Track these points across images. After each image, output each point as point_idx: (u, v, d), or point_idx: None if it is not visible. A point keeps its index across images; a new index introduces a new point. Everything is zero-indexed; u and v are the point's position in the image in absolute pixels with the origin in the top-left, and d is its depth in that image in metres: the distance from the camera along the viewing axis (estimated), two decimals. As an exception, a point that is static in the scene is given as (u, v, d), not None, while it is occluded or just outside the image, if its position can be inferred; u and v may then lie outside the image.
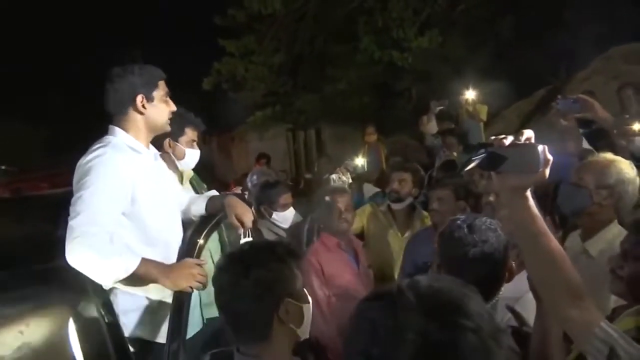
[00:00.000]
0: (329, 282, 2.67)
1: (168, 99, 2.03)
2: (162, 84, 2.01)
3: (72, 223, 1.77)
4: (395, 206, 3.31)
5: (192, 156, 2.50)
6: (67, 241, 1.75)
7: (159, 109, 1.99)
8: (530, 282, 1.41)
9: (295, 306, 1.38)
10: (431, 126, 6.19)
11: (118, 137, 1.97)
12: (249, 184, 4.09)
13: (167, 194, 2.06)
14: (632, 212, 1.99)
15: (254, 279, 1.33)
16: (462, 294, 0.81)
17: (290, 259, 1.40)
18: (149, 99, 1.97)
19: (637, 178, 2.00)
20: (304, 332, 1.42)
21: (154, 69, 2.01)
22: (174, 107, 2.05)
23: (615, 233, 1.96)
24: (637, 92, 4.69)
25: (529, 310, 1.54)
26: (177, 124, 2.42)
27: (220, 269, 1.41)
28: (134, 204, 1.91)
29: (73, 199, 1.82)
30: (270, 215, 3.15)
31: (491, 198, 2.55)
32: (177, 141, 2.46)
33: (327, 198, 2.80)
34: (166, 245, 2.02)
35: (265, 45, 11.25)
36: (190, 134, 2.50)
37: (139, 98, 1.95)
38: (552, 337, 1.43)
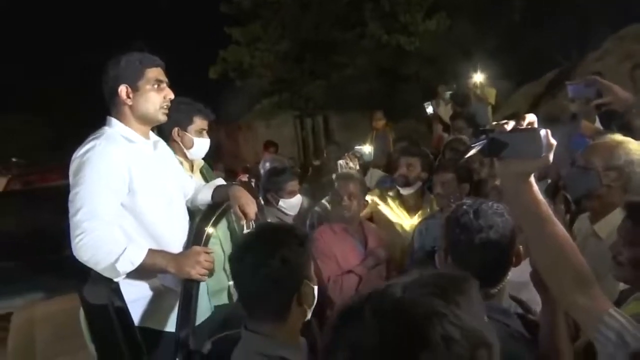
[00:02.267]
0: (335, 262, 2.70)
1: (162, 86, 1.99)
2: (152, 71, 1.97)
3: (74, 220, 1.78)
4: (404, 191, 3.29)
5: (201, 145, 2.48)
6: (72, 239, 1.76)
7: (147, 98, 1.96)
8: (533, 275, 1.40)
9: (310, 288, 1.42)
10: (445, 111, 6.12)
11: (113, 127, 1.96)
12: (262, 171, 4.08)
13: (167, 184, 2.05)
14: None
15: (281, 259, 1.35)
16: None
17: (307, 241, 1.44)
18: (134, 88, 1.94)
19: None
20: (310, 312, 1.46)
21: (143, 57, 1.97)
22: (171, 95, 2.01)
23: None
24: (650, 71, 4.60)
25: (536, 295, 1.53)
26: (186, 112, 2.41)
27: (242, 248, 1.44)
28: (131, 194, 1.90)
29: (71, 195, 1.82)
30: (277, 202, 3.15)
31: (497, 182, 2.53)
32: (185, 130, 2.44)
33: (339, 183, 2.83)
34: (168, 234, 2.01)
35: (270, 32, 11.19)
36: (199, 123, 2.47)
37: (122, 89, 1.93)
38: (559, 330, 1.41)
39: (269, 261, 1.35)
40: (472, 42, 9.62)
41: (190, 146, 2.44)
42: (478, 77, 5.91)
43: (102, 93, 1.99)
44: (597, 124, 3.31)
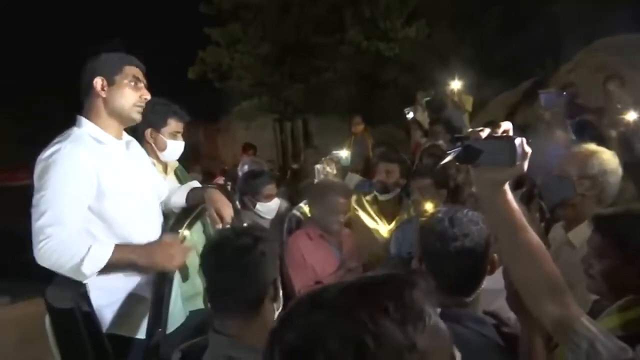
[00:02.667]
0: (309, 271, 2.67)
1: (140, 85, 1.94)
2: (130, 68, 1.92)
3: (37, 225, 1.72)
4: (382, 197, 3.29)
5: (174, 148, 2.41)
6: (34, 244, 1.70)
7: (122, 93, 1.90)
8: (509, 299, 1.39)
9: (279, 288, 1.41)
10: (422, 117, 6.18)
11: (82, 127, 1.90)
12: (240, 174, 4.03)
13: (139, 185, 1.99)
14: (613, 203, 1.99)
15: (261, 252, 1.35)
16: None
17: (276, 241, 1.47)
18: (110, 81, 1.89)
19: (620, 169, 2.01)
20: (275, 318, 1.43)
21: (124, 56, 1.93)
22: (147, 95, 1.96)
23: (597, 224, 1.96)
24: (622, 83, 4.72)
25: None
26: (160, 114, 2.35)
27: (222, 240, 1.43)
28: (100, 197, 1.84)
29: (35, 199, 1.76)
30: (254, 205, 3.11)
31: (474, 189, 2.54)
32: (159, 132, 2.38)
33: (334, 198, 2.77)
34: (141, 237, 1.95)
35: (250, 34, 11.15)
36: (173, 125, 2.41)
37: (97, 80, 1.88)
38: (536, 348, 1.41)
39: (251, 252, 1.35)
40: (450, 50, 9.74)
41: (163, 148, 2.37)
42: (455, 85, 5.98)
43: (75, 90, 1.94)
44: (570, 134, 3.38)
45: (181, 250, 1.86)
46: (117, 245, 1.80)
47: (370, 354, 0.65)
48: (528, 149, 1.13)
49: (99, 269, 1.75)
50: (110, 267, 1.78)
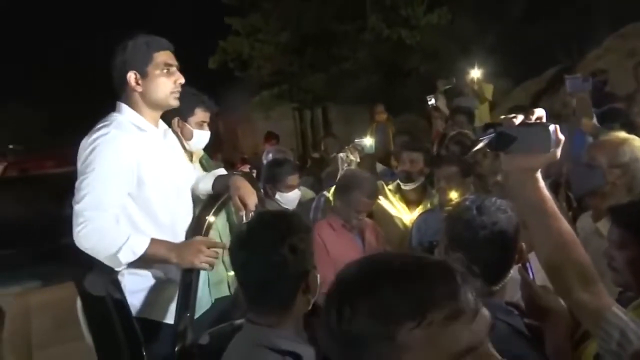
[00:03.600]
0: (333, 262, 2.65)
1: (172, 70, 1.94)
2: (160, 55, 1.92)
3: (77, 207, 1.75)
4: (406, 186, 3.27)
5: (200, 138, 2.42)
6: (74, 226, 1.74)
7: (157, 83, 1.91)
8: (527, 306, 1.38)
9: (315, 276, 1.40)
10: (444, 105, 6.12)
11: (124, 114, 1.93)
12: (264, 162, 4.03)
13: (175, 173, 2.02)
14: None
15: (290, 246, 1.33)
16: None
17: (312, 230, 1.44)
18: (143, 74, 1.89)
19: None
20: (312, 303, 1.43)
21: (151, 41, 1.92)
22: (181, 79, 1.96)
23: (627, 213, 1.93)
24: (654, 68, 4.60)
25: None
26: (187, 103, 2.34)
27: (248, 236, 1.40)
28: (140, 184, 1.87)
29: (77, 182, 1.79)
30: (274, 194, 3.11)
31: (499, 178, 2.51)
32: (186, 121, 2.39)
33: (359, 196, 2.72)
34: (174, 224, 1.99)
35: (271, 23, 11.13)
36: (200, 114, 2.41)
37: (131, 75, 1.89)
38: (563, 352, 1.39)
39: (278, 249, 1.32)
40: (473, 38, 9.58)
41: (189, 138, 2.39)
42: (475, 73, 5.90)
43: (96, 79, 1.95)
44: (595, 122, 3.30)
45: (212, 251, 1.87)
46: (153, 240, 1.82)
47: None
48: (562, 136, 1.11)
49: (134, 259, 1.78)
50: (144, 259, 1.81)
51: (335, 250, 2.68)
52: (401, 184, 3.29)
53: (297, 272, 1.35)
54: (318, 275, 1.43)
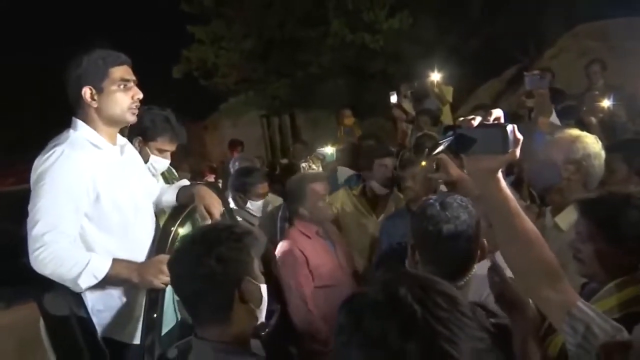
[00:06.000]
0: (314, 272, 2.63)
1: (129, 85, 1.90)
2: (117, 70, 1.87)
3: (34, 232, 1.70)
4: (382, 190, 3.31)
5: (157, 164, 2.36)
6: (31, 251, 1.69)
7: (113, 99, 1.87)
8: (497, 298, 1.41)
9: (255, 285, 1.38)
10: (408, 107, 6.21)
11: (79, 130, 1.88)
12: (231, 170, 3.99)
13: (133, 189, 1.98)
14: (599, 187, 2.03)
15: (216, 257, 1.32)
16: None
17: (247, 238, 1.40)
18: (98, 89, 1.85)
19: (602, 152, 2.04)
20: (262, 314, 1.42)
21: (107, 55, 1.87)
22: (139, 94, 1.92)
23: (583, 207, 2.00)
24: (604, 67, 4.78)
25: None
26: (154, 128, 2.31)
27: (179, 250, 1.41)
28: (96, 202, 1.83)
29: (30, 204, 1.74)
30: (245, 203, 3.09)
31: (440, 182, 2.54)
32: (146, 144, 2.33)
33: (309, 186, 2.73)
34: (136, 240, 1.96)
35: (234, 30, 11.06)
36: (163, 143, 2.35)
37: (86, 91, 1.84)
38: (530, 346, 1.42)
39: (205, 260, 1.31)
40: (434, 40, 9.74)
41: (145, 161, 2.31)
42: (435, 76, 6.01)
43: (62, 93, 1.91)
44: (554, 119, 3.41)
45: None
46: (114, 261, 1.79)
47: None
48: (520, 136, 1.13)
49: (96, 283, 1.75)
50: (106, 281, 1.77)
51: (314, 258, 2.66)
52: (379, 189, 3.31)
53: (228, 282, 1.33)
54: (263, 286, 1.41)
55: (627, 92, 4.24)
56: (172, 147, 2.40)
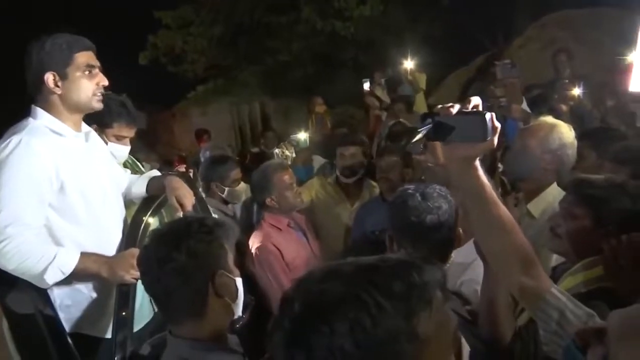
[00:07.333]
0: (290, 266, 2.59)
1: (95, 72, 1.82)
2: (82, 55, 1.79)
3: None
4: (347, 180, 3.28)
5: (116, 152, 2.25)
6: None
7: (78, 85, 1.78)
8: (477, 245, 1.43)
9: (229, 279, 1.33)
10: (383, 95, 6.23)
11: (39, 119, 1.78)
12: (202, 160, 3.93)
13: (99, 177, 1.90)
14: (571, 173, 2.06)
15: (186, 250, 1.26)
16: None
17: (219, 230, 1.34)
18: (62, 75, 1.77)
19: (575, 141, 2.08)
20: (238, 308, 1.38)
21: (71, 40, 1.79)
22: (104, 81, 1.84)
23: (555, 194, 2.03)
24: (570, 57, 4.88)
25: (479, 275, 1.57)
26: (108, 114, 2.18)
27: (148, 246, 1.34)
28: (61, 192, 1.75)
29: None
30: (223, 192, 3.06)
31: (429, 164, 2.55)
32: (103, 131, 2.21)
33: (276, 176, 2.66)
34: (105, 232, 1.88)
35: (203, 15, 10.83)
36: (119, 129, 2.25)
37: (49, 77, 1.75)
38: (499, 299, 1.46)
39: (174, 254, 1.26)
40: (405, 28, 9.77)
41: None
42: (409, 64, 6.03)
43: (23, 78, 1.81)
44: (525, 107, 3.46)
45: None
46: (82, 255, 1.72)
47: (367, 336, 0.67)
48: (498, 124, 1.12)
49: (63, 278, 1.67)
50: (73, 275, 1.71)
51: (289, 252, 2.61)
52: (342, 178, 3.29)
53: (200, 276, 1.28)
54: (238, 280, 1.37)
55: (592, 82, 4.35)
56: (130, 133, 2.31)
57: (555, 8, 8.41)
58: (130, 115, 2.29)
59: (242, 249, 2.53)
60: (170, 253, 1.26)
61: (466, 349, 0.84)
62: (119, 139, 2.27)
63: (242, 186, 3.15)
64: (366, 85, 5.67)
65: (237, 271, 1.38)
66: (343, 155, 3.23)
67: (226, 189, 3.05)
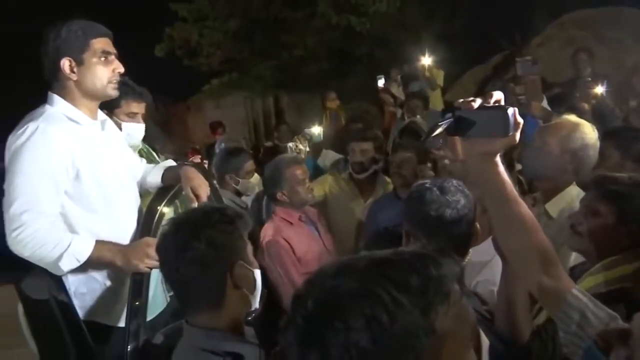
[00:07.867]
0: (301, 260, 2.58)
1: (110, 58, 1.82)
2: (98, 41, 1.79)
3: (10, 212, 1.62)
4: (359, 175, 3.26)
5: (131, 130, 2.26)
6: (8, 232, 1.61)
7: (94, 71, 1.78)
8: (496, 242, 1.40)
9: (248, 270, 1.32)
10: (398, 92, 6.18)
11: (55, 106, 1.78)
12: (217, 152, 3.97)
13: (116, 166, 1.91)
14: (592, 172, 2.02)
15: (206, 240, 1.25)
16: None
17: (239, 221, 1.33)
18: (78, 62, 1.76)
19: (598, 142, 2.02)
20: (256, 300, 1.37)
21: (87, 26, 1.79)
22: (120, 68, 1.84)
23: (574, 195, 1.99)
24: (590, 56, 4.80)
25: (495, 275, 1.55)
26: None
27: (166, 234, 1.33)
28: (77, 180, 1.75)
29: (6, 185, 1.66)
30: (237, 183, 3.09)
31: (446, 161, 2.51)
32: (112, 113, 2.21)
33: (288, 170, 2.65)
34: (120, 220, 1.89)
35: (219, 9, 10.85)
36: (129, 105, 2.27)
37: (65, 62, 1.75)
38: (518, 298, 1.43)
39: (193, 243, 1.24)
40: (421, 25, 9.70)
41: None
42: (426, 60, 5.98)
43: (39, 66, 1.81)
44: (545, 104, 3.40)
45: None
46: (97, 243, 1.72)
47: (384, 331, 0.65)
48: (520, 120, 1.09)
49: (78, 265, 1.68)
50: (88, 263, 1.71)
51: (300, 247, 2.59)
52: (353, 174, 3.26)
53: (219, 266, 1.27)
54: (257, 272, 1.36)
55: (613, 81, 4.27)
56: (140, 109, 2.32)
57: (575, 7, 8.29)
58: (135, 91, 2.30)
59: (254, 241, 2.52)
60: (190, 242, 1.25)
61: (485, 343, 0.82)
62: (130, 116, 2.28)
63: (256, 178, 3.16)
64: (380, 82, 5.63)
65: (255, 263, 1.37)
66: (354, 151, 3.22)
67: (240, 180, 3.06)
